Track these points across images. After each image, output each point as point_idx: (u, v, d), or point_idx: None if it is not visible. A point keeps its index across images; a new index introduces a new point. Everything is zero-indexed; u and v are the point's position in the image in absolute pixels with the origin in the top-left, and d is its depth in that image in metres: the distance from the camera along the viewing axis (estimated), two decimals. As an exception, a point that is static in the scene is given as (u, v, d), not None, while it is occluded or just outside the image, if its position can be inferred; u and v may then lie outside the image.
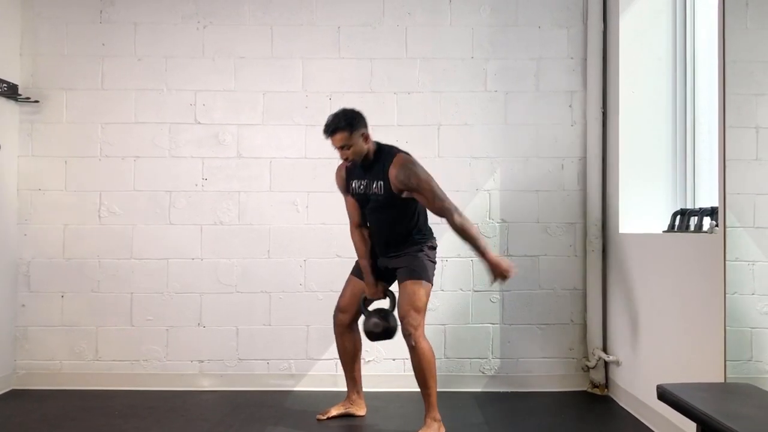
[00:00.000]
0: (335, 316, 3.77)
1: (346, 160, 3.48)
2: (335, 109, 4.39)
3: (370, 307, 3.66)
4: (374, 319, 3.57)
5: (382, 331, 3.56)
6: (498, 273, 3.37)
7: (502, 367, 4.42)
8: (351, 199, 3.65)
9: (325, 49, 4.47)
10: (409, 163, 3.43)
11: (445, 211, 3.38)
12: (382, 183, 3.45)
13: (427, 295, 3.49)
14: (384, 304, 3.65)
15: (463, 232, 3.38)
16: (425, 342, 3.43)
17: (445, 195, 3.41)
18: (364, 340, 3.72)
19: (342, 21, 4.47)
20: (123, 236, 4.41)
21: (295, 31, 4.47)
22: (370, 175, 3.50)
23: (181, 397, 4.21)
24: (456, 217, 3.36)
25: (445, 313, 4.40)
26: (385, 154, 3.49)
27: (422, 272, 3.49)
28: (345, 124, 3.40)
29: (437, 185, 3.42)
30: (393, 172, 3.40)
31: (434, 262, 3.59)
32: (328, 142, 3.46)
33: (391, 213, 3.51)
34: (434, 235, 3.66)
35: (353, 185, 3.59)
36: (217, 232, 4.42)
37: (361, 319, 3.66)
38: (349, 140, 3.40)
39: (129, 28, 4.46)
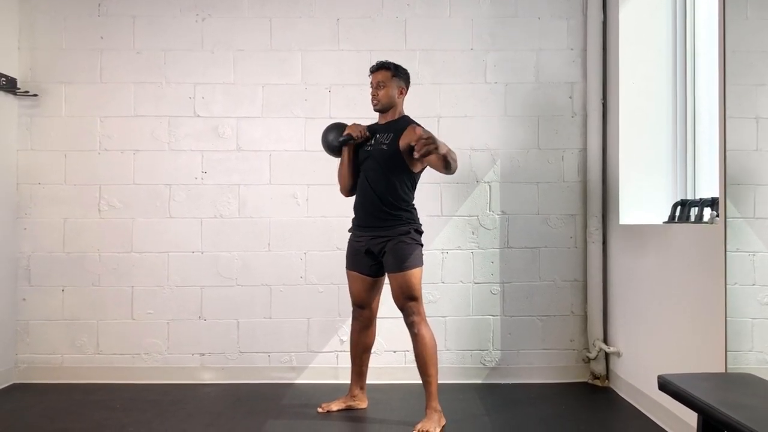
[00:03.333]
0: (357, 316, 3.72)
1: (375, 98, 3.59)
2: (334, 101, 4.43)
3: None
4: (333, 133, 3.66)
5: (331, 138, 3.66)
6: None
7: (503, 359, 4.43)
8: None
9: (325, 41, 4.46)
10: (422, 129, 3.28)
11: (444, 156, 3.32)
12: (392, 135, 3.53)
13: (420, 279, 3.50)
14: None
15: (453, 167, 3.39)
16: (427, 329, 3.45)
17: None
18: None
19: (341, 13, 4.45)
20: (123, 230, 4.41)
21: (293, 23, 4.46)
22: (386, 129, 3.59)
23: (182, 390, 4.21)
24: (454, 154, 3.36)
25: (445, 305, 4.40)
26: (408, 120, 3.60)
27: (411, 260, 3.47)
28: (392, 66, 3.60)
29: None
30: (409, 130, 3.46)
31: (421, 245, 3.57)
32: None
33: (388, 172, 3.49)
34: (419, 219, 3.63)
35: (365, 149, 3.61)
36: (217, 225, 4.42)
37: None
38: (387, 81, 3.56)
39: (127, 21, 4.45)
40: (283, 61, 4.45)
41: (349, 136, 3.59)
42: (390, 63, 3.62)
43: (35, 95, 4.39)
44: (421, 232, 3.59)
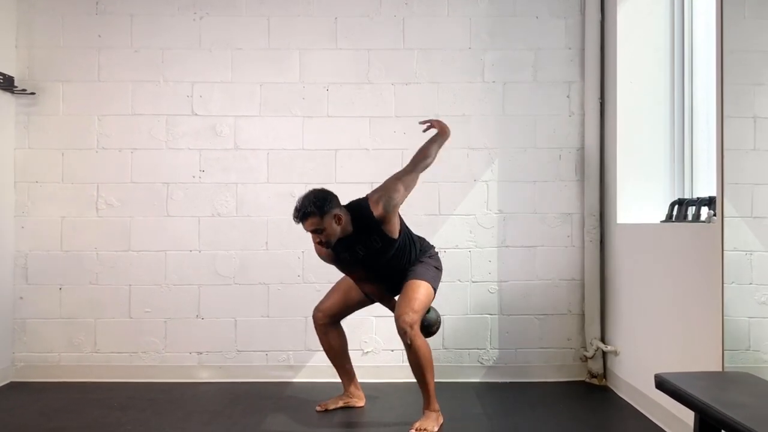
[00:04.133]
0: (315, 316, 3.74)
1: (320, 243, 3.36)
2: (332, 100, 4.42)
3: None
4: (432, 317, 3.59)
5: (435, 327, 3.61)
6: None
7: (501, 358, 4.43)
8: (345, 267, 3.57)
9: (323, 40, 4.45)
10: (377, 193, 3.41)
11: (414, 177, 3.48)
12: (377, 233, 3.38)
13: (428, 297, 3.47)
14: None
15: (429, 160, 3.58)
16: (421, 339, 3.40)
17: (404, 171, 3.52)
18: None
19: (339, 11, 4.45)
20: (121, 228, 4.41)
21: (291, 22, 4.45)
22: (363, 238, 3.39)
23: (179, 388, 4.21)
24: (419, 172, 3.49)
25: (443, 304, 4.38)
26: (361, 211, 3.38)
27: (427, 275, 3.49)
28: (314, 208, 3.25)
29: (395, 176, 3.49)
30: (378, 211, 3.35)
31: (438, 268, 3.61)
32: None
33: (395, 252, 3.47)
34: (430, 244, 3.69)
35: (346, 257, 3.46)
36: (215, 223, 4.42)
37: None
38: (320, 224, 3.26)
39: (125, 20, 4.44)
40: (281, 60, 4.45)
41: None
42: (310, 208, 3.24)
43: (33, 93, 4.38)
44: (433, 256, 3.65)
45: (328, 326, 3.74)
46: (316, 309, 3.76)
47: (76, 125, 4.42)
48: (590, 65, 4.39)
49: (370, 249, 3.42)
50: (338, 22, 4.45)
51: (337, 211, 3.32)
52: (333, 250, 3.44)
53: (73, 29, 4.44)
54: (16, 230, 4.40)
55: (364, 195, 3.47)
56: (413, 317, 3.35)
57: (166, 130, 4.43)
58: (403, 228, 3.51)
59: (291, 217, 4.34)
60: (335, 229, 3.32)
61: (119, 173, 4.41)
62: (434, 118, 3.85)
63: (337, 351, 3.76)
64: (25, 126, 4.41)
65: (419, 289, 3.42)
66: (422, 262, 3.56)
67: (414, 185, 3.50)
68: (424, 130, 3.74)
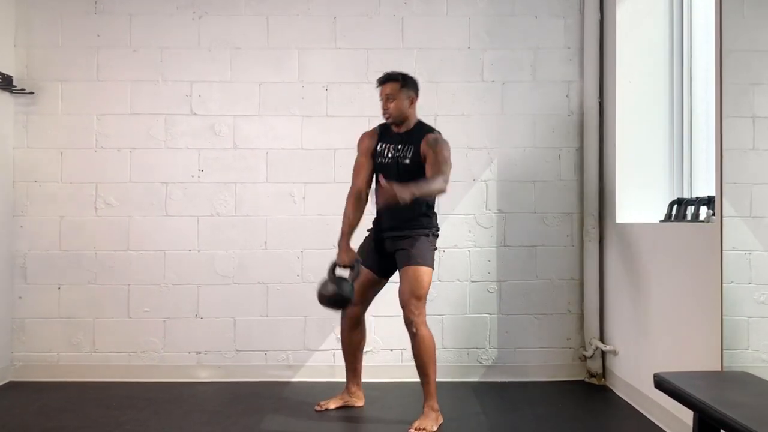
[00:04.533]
0: (346, 314, 3.70)
1: (386, 111, 3.54)
2: (331, 100, 4.43)
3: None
4: (332, 285, 3.46)
5: (333, 296, 3.45)
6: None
7: (500, 357, 4.43)
8: (364, 161, 3.64)
9: (322, 39, 4.45)
10: (443, 139, 3.53)
11: (439, 174, 3.41)
12: (412, 148, 3.51)
13: (429, 283, 3.50)
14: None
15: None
16: (426, 329, 3.44)
17: (448, 171, 3.47)
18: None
19: (338, 11, 4.45)
20: (119, 228, 4.40)
21: (290, 21, 4.45)
22: (404, 141, 3.55)
23: (178, 388, 4.21)
24: (441, 183, 3.41)
25: (442, 303, 4.40)
26: (425, 128, 3.58)
27: (425, 257, 3.49)
28: (400, 77, 3.54)
29: (449, 166, 3.48)
30: (424, 142, 3.48)
31: (435, 249, 3.61)
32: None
33: (409, 179, 3.44)
34: (437, 224, 3.67)
35: (380, 147, 3.60)
36: (214, 223, 4.42)
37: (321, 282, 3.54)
38: (397, 93, 3.51)
39: (124, 19, 4.43)
40: (280, 59, 4.45)
41: (350, 264, 3.52)
42: (398, 74, 3.56)
43: (31, 93, 4.38)
44: (437, 236, 3.63)
45: (356, 322, 3.71)
46: None
47: (75, 125, 4.41)
48: (589, 65, 4.39)
49: (400, 153, 3.54)
50: (337, 21, 4.45)
51: (414, 95, 3.58)
52: (378, 138, 3.61)
53: (72, 29, 4.43)
54: (14, 230, 4.39)
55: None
56: (419, 306, 3.42)
57: (165, 129, 4.42)
58: None
59: (290, 217, 4.39)
60: (405, 106, 3.54)
61: (118, 173, 4.41)
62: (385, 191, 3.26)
63: (355, 348, 3.76)
64: (23, 125, 4.40)
65: (422, 277, 3.46)
66: (427, 235, 3.54)
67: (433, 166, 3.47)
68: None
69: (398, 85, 3.52)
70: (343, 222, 3.64)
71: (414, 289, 3.43)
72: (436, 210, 3.68)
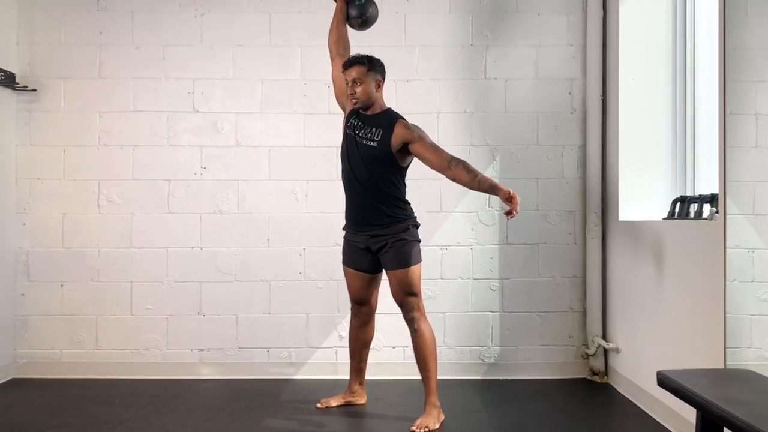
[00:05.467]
0: (355, 313, 3.71)
1: (353, 96, 3.48)
2: (333, 98, 4.39)
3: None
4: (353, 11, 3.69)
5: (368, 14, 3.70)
6: (512, 204, 3.34)
7: (502, 355, 4.43)
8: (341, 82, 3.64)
9: (324, 37, 4.41)
10: (414, 126, 3.48)
11: (443, 160, 3.38)
12: (381, 131, 3.45)
13: (419, 275, 3.49)
14: None
15: (467, 178, 3.38)
16: (426, 324, 3.45)
17: (442, 150, 3.44)
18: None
19: (340, 8, 4.43)
20: (122, 225, 4.41)
21: (293, 19, 4.45)
22: (372, 123, 3.49)
23: (181, 385, 4.22)
24: (453, 168, 3.37)
25: (444, 301, 4.40)
26: (394, 114, 3.54)
27: (410, 257, 3.46)
28: (366, 60, 3.49)
29: (435, 145, 3.48)
30: (400, 126, 3.43)
31: (419, 241, 3.56)
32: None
33: (378, 171, 3.44)
34: (413, 214, 3.58)
35: (352, 121, 3.55)
36: (217, 220, 4.42)
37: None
38: (363, 76, 3.45)
39: (126, 17, 4.43)
40: (282, 57, 4.44)
41: None
42: (363, 57, 3.50)
43: (34, 90, 4.38)
44: (417, 226, 3.57)
45: (366, 322, 3.71)
46: (353, 304, 3.72)
47: (78, 122, 4.42)
48: (592, 62, 4.38)
49: (366, 136, 3.48)
50: (340, 18, 4.43)
51: (381, 78, 3.53)
52: (352, 112, 3.56)
53: (74, 26, 4.43)
54: (17, 227, 4.40)
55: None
56: (417, 301, 3.44)
57: (167, 126, 4.42)
58: (402, 175, 3.52)
59: (293, 215, 4.39)
60: (371, 90, 3.49)
61: (120, 170, 4.41)
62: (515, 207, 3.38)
63: (362, 347, 3.75)
64: (26, 123, 4.41)
65: (411, 276, 3.45)
66: (402, 239, 3.46)
67: (429, 161, 3.42)
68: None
69: (365, 68, 3.47)
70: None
71: (404, 288, 3.44)
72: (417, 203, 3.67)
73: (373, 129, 3.47)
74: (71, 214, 4.41)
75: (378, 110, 3.54)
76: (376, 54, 4.38)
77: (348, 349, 3.81)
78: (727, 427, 1.96)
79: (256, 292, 4.42)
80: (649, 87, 4.08)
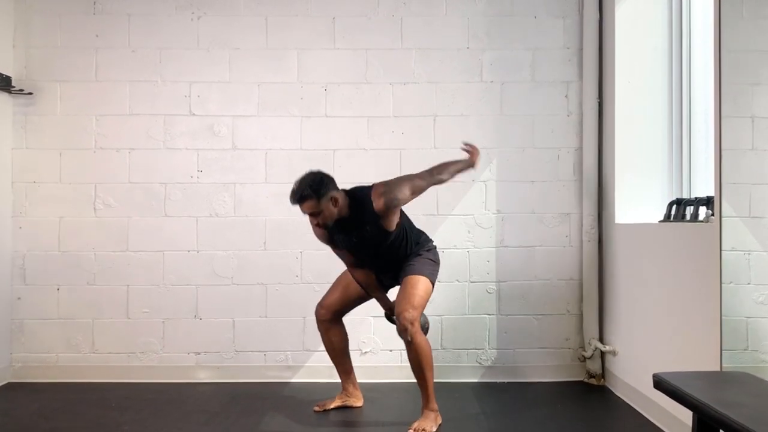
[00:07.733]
0: (317, 312, 3.75)
1: (317, 225, 3.38)
2: (330, 100, 4.42)
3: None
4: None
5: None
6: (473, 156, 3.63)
7: (499, 358, 4.43)
8: (339, 250, 3.60)
9: (321, 40, 4.45)
10: (383, 186, 3.39)
11: (424, 185, 3.44)
12: (368, 223, 3.37)
13: (427, 293, 3.46)
14: None
15: (448, 176, 3.55)
16: (421, 336, 3.39)
17: (417, 176, 3.46)
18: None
19: (337, 11, 4.44)
20: (118, 228, 4.40)
21: (289, 22, 4.45)
22: (357, 224, 3.38)
23: (177, 389, 4.21)
24: (430, 183, 3.47)
25: (441, 304, 4.39)
26: (360, 198, 3.38)
27: (423, 269, 3.47)
28: (311, 191, 3.27)
29: (407, 176, 3.48)
30: (377, 202, 3.33)
31: (436, 262, 3.58)
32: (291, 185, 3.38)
33: (389, 244, 3.46)
34: (429, 238, 3.66)
35: (340, 239, 3.47)
36: (213, 224, 4.41)
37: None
38: (317, 207, 3.28)
39: (123, 19, 4.43)
40: (278, 60, 4.44)
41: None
42: (307, 191, 3.27)
43: (30, 93, 4.37)
44: (431, 249, 3.61)
45: (331, 323, 3.73)
46: (319, 305, 3.76)
47: (74, 125, 4.41)
48: (588, 65, 4.39)
49: (364, 236, 3.42)
50: (336, 21, 4.44)
51: (333, 193, 3.33)
52: (328, 231, 3.46)
53: (71, 29, 4.43)
54: (13, 230, 4.39)
55: (370, 184, 3.45)
56: (414, 314, 3.34)
57: (163, 130, 4.42)
58: (403, 221, 3.50)
59: (289, 218, 4.38)
60: (332, 211, 3.33)
61: (117, 173, 4.41)
62: (475, 147, 3.66)
63: (338, 350, 3.76)
64: (22, 126, 4.40)
65: (418, 285, 3.41)
66: (419, 255, 3.53)
67: (421, 193, 3.44)
68: (462, 149, 3.68)
69: (314, 201, 3.27)
70: (372, 290, 3.63)
71: (410, 296, 3.37)
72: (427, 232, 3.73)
73: (361, 227, 3.39)
74: (67, 217, 4.40)
75: (346, 211, 3.37)
76: (374, 57, 4.42)
77: (328, 356, 3.82)
78: (723, 430, 1.96)
79: (253, 296, 4.41)
80: (645, 90, 4.08)
